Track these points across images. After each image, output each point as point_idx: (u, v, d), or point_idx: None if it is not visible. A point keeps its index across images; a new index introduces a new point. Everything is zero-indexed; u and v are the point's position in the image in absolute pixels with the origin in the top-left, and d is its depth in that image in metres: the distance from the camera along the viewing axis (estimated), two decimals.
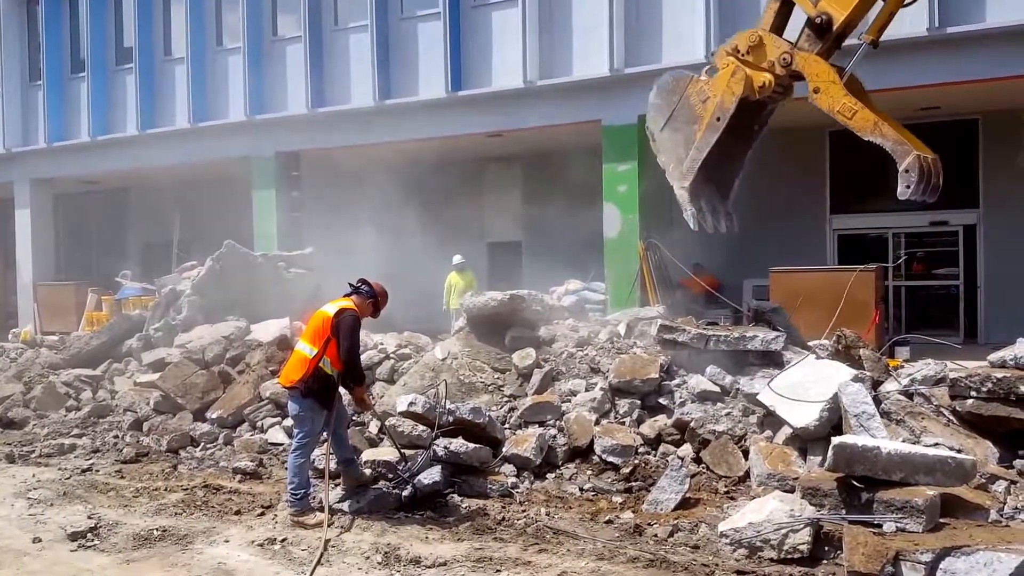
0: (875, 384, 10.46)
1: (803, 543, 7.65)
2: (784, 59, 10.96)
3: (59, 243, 31.66)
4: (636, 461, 10.38)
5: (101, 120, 28.19)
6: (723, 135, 11.36)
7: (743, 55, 11.32)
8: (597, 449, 10.58)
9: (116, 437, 13.36)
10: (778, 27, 11.44)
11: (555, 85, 20.93)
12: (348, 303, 9.64)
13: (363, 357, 11.18)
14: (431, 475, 9.67)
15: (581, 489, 10.05)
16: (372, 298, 9.88)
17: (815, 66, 10.74)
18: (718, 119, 11.34)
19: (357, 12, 23.79)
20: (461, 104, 22.20)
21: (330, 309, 9.56)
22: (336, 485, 9.76)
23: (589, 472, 10.41)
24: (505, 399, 12.16)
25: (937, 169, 10.19)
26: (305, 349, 9.44)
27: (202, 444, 12.79)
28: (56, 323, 26.36)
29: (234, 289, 18.49)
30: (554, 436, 10.95)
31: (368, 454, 10.40)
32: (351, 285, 9.97)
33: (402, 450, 10.02)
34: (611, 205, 20.39)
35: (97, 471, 11.75)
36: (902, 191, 10.01)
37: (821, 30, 10.89)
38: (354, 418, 11.95)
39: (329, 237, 22.56)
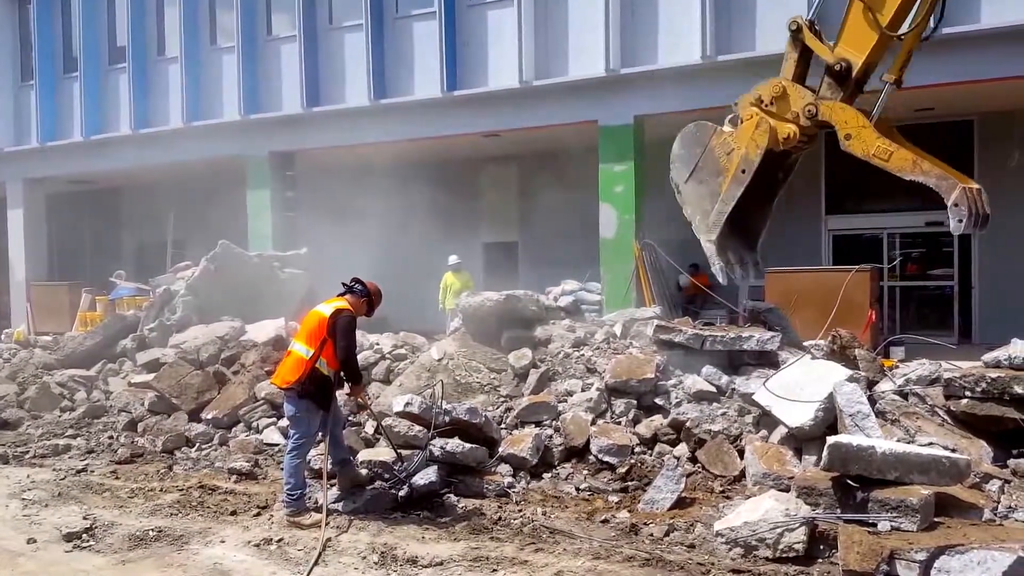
0: (870, 384, 10.53)
1: (798, 542, 7.69)
2: (809, 110, 10.98)
3: (52, 243, 31.59)
4: (632, 461, 10.43)
5: (94, 119, 28.18)
6: (748, 187, 11.42)
7: (767, 105, 11.34)
8: (593, 449, 10.62)
9: (111, 438, 13.39)
10: (799, 76, 11.46)
11: (551, 85, 20.95)
12: (343, 303, 9.67)
13: (359, 357, 11.19)
14: (427, 475, 9.69)
15: (577, 489, 10.09)
16: (366, 297, 9.91)
17: (842, 113, 10.77)
18: (743, 171, 11.38)
19: (352, 11, 23.79)
20: (457, 104, 22.21)
21: (325, 309, 9.58)
22: (333, 485, 9.79)
23: (585, 472, 10.46)
24: (501, 399, 12.20)
25: (983, 199, 10.21)
26: (301, 350, 9.47)
27: (197, 444, 12.82)
28: (49, 323, 26.31)
29: (229, 289, 18.53)
30: (550, 436, 11.00)
31: (364, 454, 10.45)
32: (345, 284, 10.01)
33: (398, 450, 10.07)
34: (607, 205, 20.43)
35: (92, 472, 11.77)
36: (955, 226, 10.01)
37: (841, 76, 10.95)
38: (350, 418, 11.99)
39: (324, 237, 22.59)
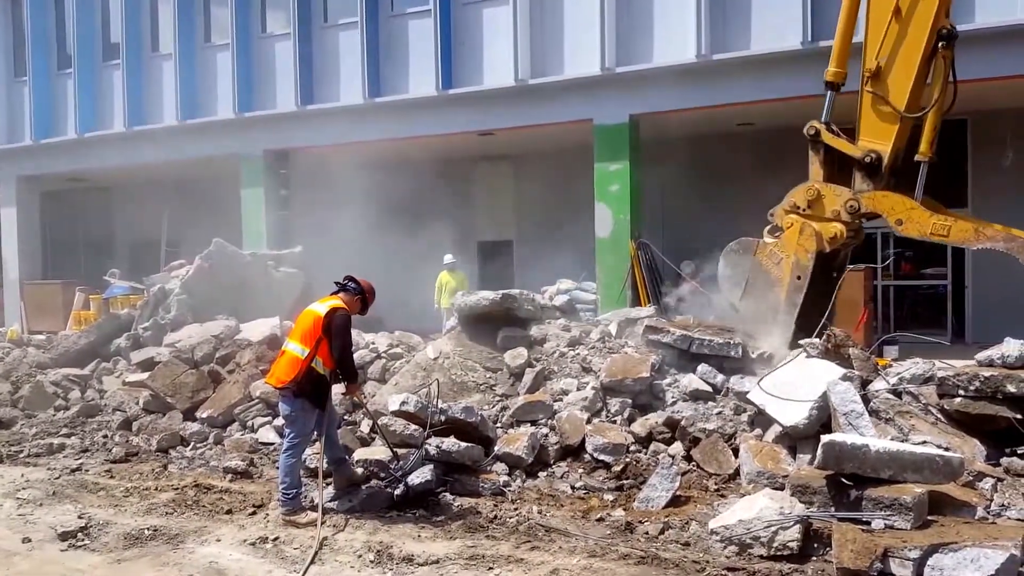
0: (864, 383, 10.55)
1: (793, 540, 7.73)
2: (851, 206, 11.27)
3: (46, 241, 31.60)
4: (627, 459, 10.48)
5: (88, 117, 28.13)
6: (807, 291, 11.54)
7: (804, 210, 11.53)
8: (589, 447, 10.66)
9: (105, 437, 13.40)
10: (828, 176, 11.69)
11: (546, 84, 21.00)
12: (337, 301, 9.69)
13: (355, 356, 11.23)
14: (423, 474, 9.73)
15: (573, 487, 10.13)
16: (360, 295, 9.94)
17: (886, 201, 10.99)
18: (799, 278, 11.53)
19: (347, 9, 23.83)
20: (452, 102, 22.25)
21: (320, 308, 9.60)
22: (328, 484, 9.82)
23: (581, 470, 10.50)
24: (497, 398, 12.25)
25: None
26: (296, 349, 9.48)
27: (192, 444, 12.84)
28: (43, 322, 26.34)
29: (223, 288, 18.55)
30: (546, 435, 11.05)
31: (360, 453, 10.50)
32: (338, 283, 10.04)
33: (394, 449, 10.11)
34: (602, 205, 20.48)
35: (87, 471, 11.79)
36: None
37: (873, 168, 11.08)
38: (345, 417, 12.04)
39: (318, 236, 22.62)
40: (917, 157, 11.12)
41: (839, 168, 11.81)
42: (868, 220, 11.56)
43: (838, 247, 11.59)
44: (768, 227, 12.04)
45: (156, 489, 10.72)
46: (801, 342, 11.56)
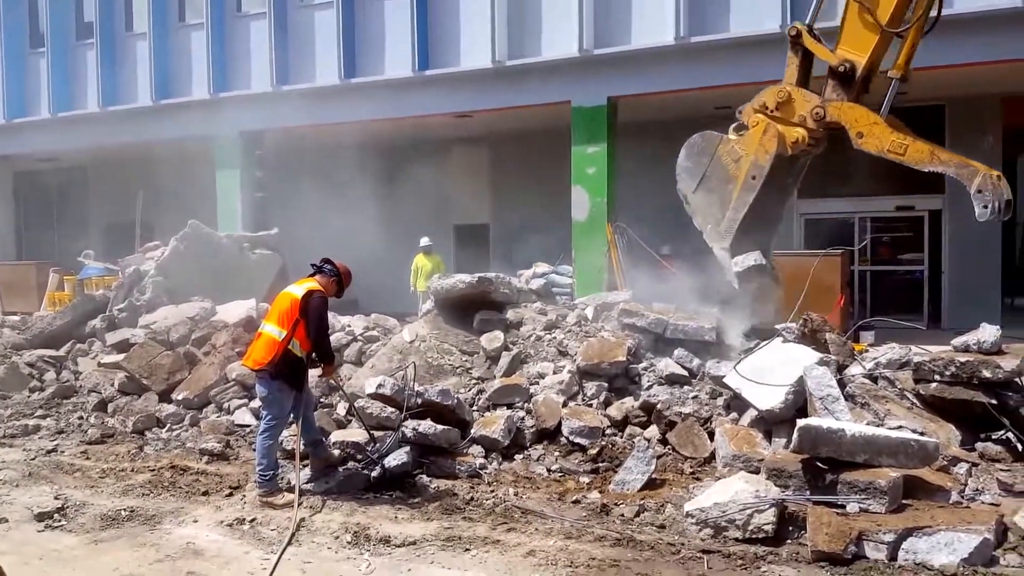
0: (840, 368, 10.68)
1: (768, 523, 7.80)
2: (817, 113, 11.22)
3: (19, 222, 31.43)
4: (603, 442, 10.55)
5: (62, 96, 27.95)
6: (759, 193, 11.57)
7: (772, 111, 11.53)
8: (565, 431, 10.73)
9: (81, 418, 13.39)
10: (802, 80, 11.71)
11: (524, 65, 20.96)
12: (314, 284, 9.72)
13: (331, 339, 11.23)
14: (400, 456, 9.78)
15: (549, 470, 10.20)
16: (336, 277, 9.97)
17: (851, 112, 10.97)
18: (754, 177, 11.57)
19: None
20: (428, 84, 22.18)
21: (296, 290, 9.63)
22: (305, 466, 9.85)
23: (557, 453, 10.56)
24: (473, 381, 12.29)
25: (1004, 185, 10.47)
26: (273, 331, 9.50)
27: (168, 425, 12.85)
28: (17, 303, 26.19)
29: (199, 270, 18.53)
30: (522, 418, 11.11)
31: (337, 435, 10.52)
32: (314, 265, 10.06)
33: (371, 431, 10.16)
34: (580, 188, 20.49)
35: (62, 452, 11.76)
36: (980, 212, 10.30)
37: (846, 77, 11.15)
38: (321, 400, 12.05)
39: (294, 217, 22.58)
40: (890, 73, 11.13)
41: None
42: (831, 130, 11.53)
43: (798, 152, 11.62)
44: (734, 124, 12.07)
45: (132, 470, 10.73)
46: (778, 326, 11.63)
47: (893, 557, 7.17)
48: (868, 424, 9.21)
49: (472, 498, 9.24)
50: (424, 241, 21.67)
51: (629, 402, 11.29)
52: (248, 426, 12.15)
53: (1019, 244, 26.33)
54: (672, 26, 19.22)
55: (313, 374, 10.36)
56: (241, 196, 25.07)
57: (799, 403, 9.85)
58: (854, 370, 10.67)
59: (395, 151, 24.71)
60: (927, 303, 21.99)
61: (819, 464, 8.19)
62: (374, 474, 9.68)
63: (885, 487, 7.67)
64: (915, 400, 10.05)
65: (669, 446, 10.46)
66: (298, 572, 7.61)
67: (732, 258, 11.95)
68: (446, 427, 10.35)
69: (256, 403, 11.41)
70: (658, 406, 10.85)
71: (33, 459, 11.38)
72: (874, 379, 10.43)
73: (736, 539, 7.84)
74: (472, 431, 10.73)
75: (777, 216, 12.47)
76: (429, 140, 26.23)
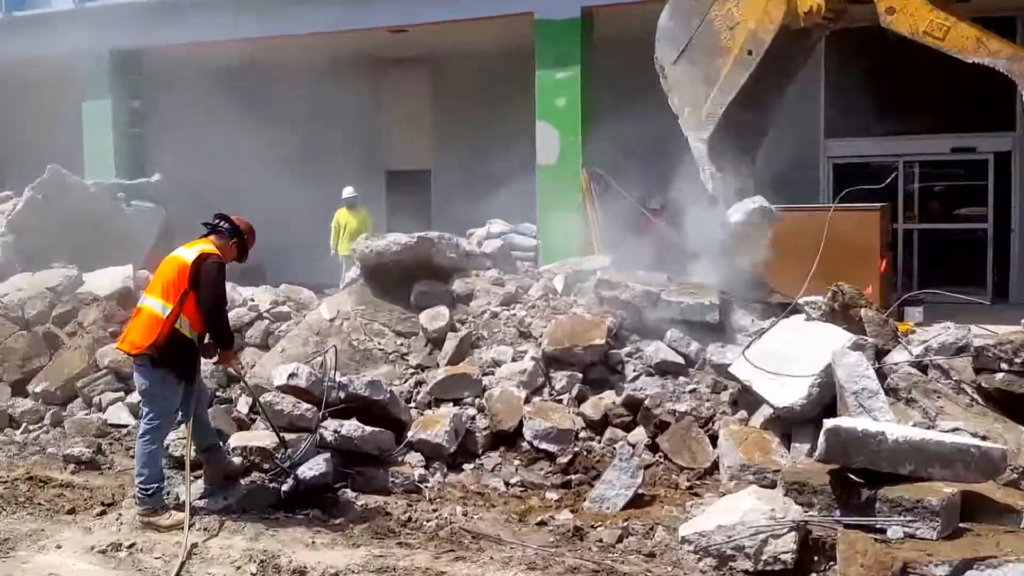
0: (879, 353, 10.50)
1: (786, 551, 7.75)
2: None
3: None
4: (576, 449, 10.61)
5: None
6: (755, 73, 11.41)
7: None
8: (527, 434, 10.78)
9: None
10: None
11: None
12: (208, 246, 9.66)
13: (230, 316, 11.19)
14: (317, 465, 9.77)
15: (507, 483, 10.27)
16: (236, 238, 9.91)
17: None
18: (750, 52, 11.37)
19: None
20: None
21: (186, 254, 9.55)
22: (198, 478, 9.86)
23: (517, 462, 10.63)
24: (411, 370, 12.33)
25: None
26: (156, 306, 9.43)
27: (24, 425, 12.81)
28: None
29: (61, 227, 18.36)
30: (472, 417, 11.17)
31: (237, 439, 10.53)
32: (207, 224, 10.00)
33: (281, 434, 10.15)
34: (546, 124, 20.39)
35: None
36: None
37: None
38: (218, 394, 12.05)
39: (182, 161, 22.42)
40: None
41: None
42: (855, 3, 11.34)
43: (811, 25, 11.44)
44: None
45: None
46: (799, 300, 11.46)
47: None
48: (915, 426, 9.11)
49: (410, 518, 9.29)
50: (347, 192, 21.52)
51: (609, 397, 11.33)
52: (125, 426, 12.11)
53: None
54: None
55: (208, 360, 10.34)
56: (114, 133, 24.76)
57: (826, 399, 9.77)
58: (898, 356, 10.47)
59: (311, 78, 24.52)
60: (991, 271, 21.64)
61: (852, 477, 8.09)
62: (285, 488, 9.68)
63: (937, 506, 7.49)
64: (975, 395, 9.89)
65: (660, 453, 10.52)
66: None
67: (710, 156, 11.79)
68: (376, 429, 10.39)
69: (135, 397, 11.39)
70: (646, 402, 10.89)
71: None
72: (923, 368, 10.27)
73: (746, 571, 7.84)
74: (409, 434, 10.77)
75: (774, 109, 12.24)
76: (355, 62, 26.00)
